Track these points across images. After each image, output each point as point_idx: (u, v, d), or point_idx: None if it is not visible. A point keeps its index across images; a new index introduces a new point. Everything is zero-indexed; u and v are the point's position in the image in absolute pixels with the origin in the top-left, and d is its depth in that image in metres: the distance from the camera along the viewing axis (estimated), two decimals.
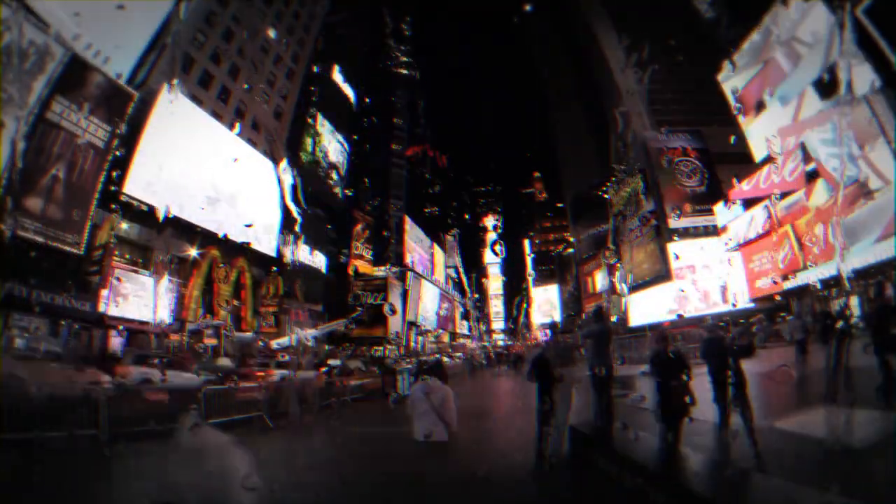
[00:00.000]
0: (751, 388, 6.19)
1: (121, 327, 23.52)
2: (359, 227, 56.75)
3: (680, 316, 36.68)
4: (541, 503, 5.84)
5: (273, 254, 36.49)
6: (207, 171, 29.81)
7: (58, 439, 8.20)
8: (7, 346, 16.61)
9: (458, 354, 51.19)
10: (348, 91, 56.64)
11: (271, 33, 40.50)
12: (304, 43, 45.91)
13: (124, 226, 24.63)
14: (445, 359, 36.12)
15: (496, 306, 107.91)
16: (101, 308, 22.00)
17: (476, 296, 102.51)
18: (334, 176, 51.31)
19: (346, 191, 55.06)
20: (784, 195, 27.53)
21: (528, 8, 68.03)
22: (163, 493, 5.70)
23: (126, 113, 23.68)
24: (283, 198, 37.74)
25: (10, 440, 7.64)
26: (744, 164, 32.35)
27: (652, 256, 43.97)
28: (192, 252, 28.18)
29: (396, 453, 8.58)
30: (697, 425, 7.59)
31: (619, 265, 50.06)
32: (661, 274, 41.80)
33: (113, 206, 23.47)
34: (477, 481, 6.37)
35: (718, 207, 36.12)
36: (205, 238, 29.25)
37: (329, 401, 14.81)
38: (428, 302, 65.53)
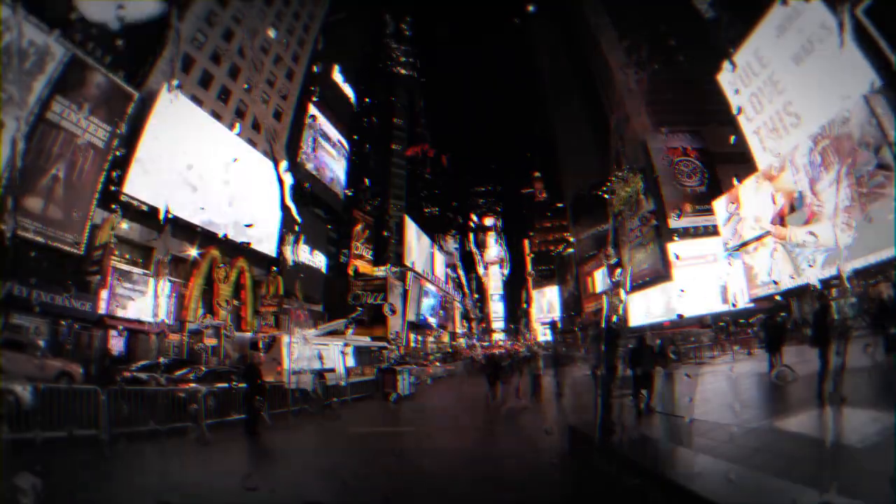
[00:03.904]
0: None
1: (120, 327, 23.49)
2: (359, 227, 56.76)
3: (680, 316, 36.69)
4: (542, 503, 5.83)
5: (273, 254, 36.43)
6: (207, 170, 29.72)
7: (58, 439, 8.18)
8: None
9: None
10: (348, 91, 56.63)
11: (271, 33, 40.48)
12: (304, 43, 45.89)
13: (124, 226, 24.60)
14: None
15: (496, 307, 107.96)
16: (102, 308, 21.97)
17: (476, 296, 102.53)
18: (333, 178, 51.27)
19: (346, 191, 55.08)
20: None
21: (531, 9, 68.08)
22: (163, 493, 5.69)
23: (126, 113, 23.68)
24: (282, 198, 37.67)
25: (10, 440, 7.61)
26: (744, 163, 32.33)
27: (652, 256, 43.96)
28: (193, 252, 28.13)
29: None
30: (697, 425, 7.59)
31: (619, 266, 50.02)
32: (661, 274, 41.78)
33: (113, 206, 23.45)
34: None
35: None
36: (205, 238, 29.21)
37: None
38: (428, 302, 65.51)
